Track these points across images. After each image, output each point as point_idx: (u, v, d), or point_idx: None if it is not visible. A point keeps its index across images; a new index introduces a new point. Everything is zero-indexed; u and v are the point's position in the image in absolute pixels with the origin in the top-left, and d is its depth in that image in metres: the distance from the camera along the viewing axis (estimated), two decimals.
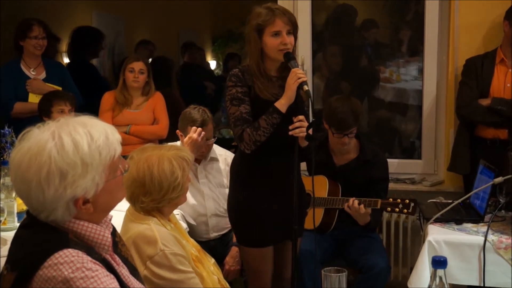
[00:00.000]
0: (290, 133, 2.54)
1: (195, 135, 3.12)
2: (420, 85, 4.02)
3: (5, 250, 1.71)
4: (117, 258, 1.63)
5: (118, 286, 1.50)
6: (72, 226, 1.51)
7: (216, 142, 3.40)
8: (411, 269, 2.84)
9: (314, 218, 2.78)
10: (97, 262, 1.47)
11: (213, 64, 9.70)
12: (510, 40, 3.42)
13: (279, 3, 3.99)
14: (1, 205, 2.61)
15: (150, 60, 5.78)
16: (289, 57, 2.58)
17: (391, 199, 3.09)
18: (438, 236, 2.64)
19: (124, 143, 1.62)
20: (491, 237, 2.59)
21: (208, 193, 3.32)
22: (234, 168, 2.83)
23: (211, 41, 10.24)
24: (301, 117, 2.55)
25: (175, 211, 2.56)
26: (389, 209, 3.10)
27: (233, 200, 2.80)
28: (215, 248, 3.25)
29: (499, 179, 2.68)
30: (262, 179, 2.71)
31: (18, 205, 2.65)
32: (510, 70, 3.44)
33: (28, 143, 1.46)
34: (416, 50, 4.07)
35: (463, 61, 3.60)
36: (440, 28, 3.85)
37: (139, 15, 7.54)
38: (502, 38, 3.49)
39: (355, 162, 3.33)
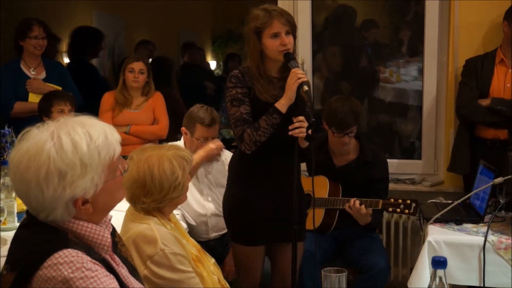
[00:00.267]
0: (290, 133, 2.54)
1: (213, 146, 3.13)
2: (420, 85, 4.02)
3: (5, 250, 1.71)
4: (117, 258, 1.63)
5: (118, 286, 1.50)
6: (72, 226, 1.50)
7: None
8: (411, 269, 2.84)
9: (314, 218, 2.78)
10: (97, 262, 1.47)
11: (213, 64, 9.71)
12: (510, 40, 3.42)
13: (280, 3, 3.99)
14: (1, 205, 2.61)
15: (150, 60, 5.78)
16: (289, 57, 2.58)
17: (392, 200, 3.09)
18: (438, 236, 2.64)
19: (124, 143, 1.62)
20: (491, 237, 2.58)
21: (208, 193, 3.33)
22: (233, 166, 2.84)
23: (211, 41, 10.24)
24: (301, 117, 2.55)
25: (175, 211, 2.56)
26: (390, 209, 3.10)
27: (230, 197, 2.82)
28: (215, 248, 3.25)
29: (499, 180, 2.68)
30: (262, 179, 2.71)
31: (18, 205, 2.65)
32: (510, 70, 3.44)
33: (27, 143, 1.46)
34: (416, 50, 4.07)
35: (463, 61, 3.60)
36: (440, 28, 3.85)
37: (139, 15, 7.54)
38: (502, 38, 3.49)
39: (355, 163, 3.33)
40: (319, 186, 3.25)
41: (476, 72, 3.48)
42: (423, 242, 2.68)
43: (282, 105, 2.58)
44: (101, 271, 1.45)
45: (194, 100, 3.51)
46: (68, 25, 6.00)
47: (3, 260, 1.52)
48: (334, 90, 4.17)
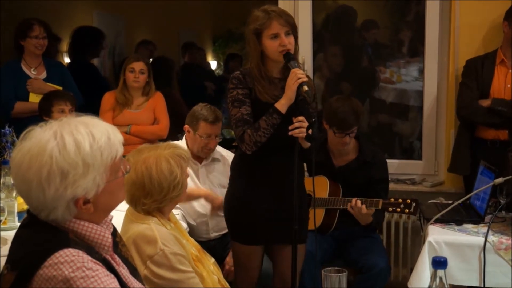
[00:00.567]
0: (289, 133, 2.54)
1: (219, 199, 3.18)
2: (421, 85, 4.02)
3: (5, 249, 1.71)
4: (117, 258, 1.63)
5: (118, 286, 1.50)
6: (73, 226, 1.51)
7: None
8: (411, 269, 2.84)
9: (314, 218, 2.78)
10: (98, 262, 1.47)
11: (213, 64, 9.71)
12: (510, 40, 3.42)
13: (280, 4, 3.99)
14: (2, 205, 2.61)
15: (151, 60, 5.78)
16: (289, 58, 2.58)
17: (392, 199, 3.09)
18: (438, 236, 2.64)
19: (124, 143, 1.62)
20: (492, 238, 2.59)
21: None
22: (235, 166, 2.85)
23: (211, 41, 10.25)
24: (301, 117, 2.55)
25: (175, 211, 2.56)
26: (390, 209, 3.10)
27: (231, 197, 2.83)
28: (215, 248, 3.25)
29: (500, 180, 2.68)
30: (262, 179, 2.72)
31: (19, 204, 2.65)
32: (510, 71, 3.44)
33: (29, 143, 1.46)
34: (416, 50, 4.07)
35: (463, 61, 3.60)
36: (440, 28, 3.85)
37: (139, 15, 7.54)
38: (502, 39, 3.49)
39: (355, 163, 3.33)
40: (320, 186, 3.25)
41: (477, 73, 3.48)
42: (424, 242, 2.68)
43: (282, 105, 2.58)
44: (102, 270, 1.45)
45: (194, 100, 3.51)
46: (69, 25, 6.00)
47: (4, 259, 1.52)
48: (335, 90, 4.17)
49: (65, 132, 1.46)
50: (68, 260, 1.41)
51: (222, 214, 3.08)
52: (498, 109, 3.35)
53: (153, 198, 2.09)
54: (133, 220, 2.11)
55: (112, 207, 1.60)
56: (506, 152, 2.86)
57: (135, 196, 2.09)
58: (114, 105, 4.07)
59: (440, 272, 1.53)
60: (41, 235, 1.48)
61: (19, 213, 2.63)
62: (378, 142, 4.17)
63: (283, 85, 2.62)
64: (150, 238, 2.03)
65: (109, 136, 1.52)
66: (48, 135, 1.46)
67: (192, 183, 3.23)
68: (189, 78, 6.45)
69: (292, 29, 2.62)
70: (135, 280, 1.66)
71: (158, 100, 4.15)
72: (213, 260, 2.34)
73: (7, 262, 1.49)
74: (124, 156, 1.62)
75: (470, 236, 2.64)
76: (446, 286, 1.53)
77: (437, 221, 2.77)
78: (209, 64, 9.04)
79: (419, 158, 4.06)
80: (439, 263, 1.53)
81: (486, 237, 2.58)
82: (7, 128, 3.25)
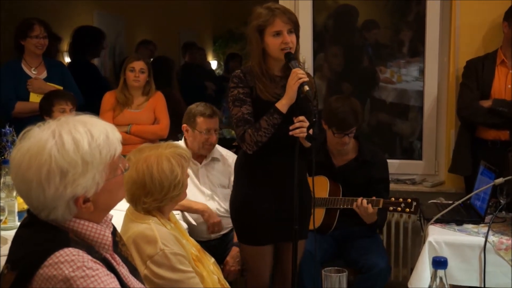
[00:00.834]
0: (290, 133, 2.54)
1: (217, 220, 3.24)
2: (421, 86, 4.02)
3: (5, 249, 1.71)
4: (117, 258, 1.63)
5: (119, 286, 1.50)
6: (73, 225, 1.51)
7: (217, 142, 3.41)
8: (412, 269, 2.84)
9: (314, 218, 2.78)
10: (98, 261, 1.47)
11: (214, 64, 9.71)
12: (510, 41, 3.42)
13: (281, 3, 3.99)
14: (2, 204, 2.61)
15: (151, 60, 5.77)
16: (290, 57, 2.58)
17: (393, 198, 3.09)
18: (438, 236, 2.64)
19: (124, 143, 1.62)
20: (492, 238, 2.59)
21: (208, 193, 3.33)
22: (237, 166, 2.86)
23: (211, 41, 10.25)
24: (301, 117, 2.55)
25: (175, 211, 2.56)
26: (391, 208, 3.10)
27: (235, 198, 2.83)
28: (215, 248, 3.25)
29: (500, 180, 2.68)
30: (263, 178, 2.72)
31: (19, 204, 2.65)
32: (510, 71, 3.44)
33: (28, 142, 1.46)
34: (417, 51, 4.07)
35: (464, 62, 3.60)
36: (441, 28, 3.85)
37: (140, 15, 7.55)
38: (502, 39, 3.49)
39: (354, 163, 3.33)
40: (320, 186, 3.25)
41: (477, 73, 3.48)
42: (424, 243, 2.68)
43: (282, 105, 2.58)
44: (102, 270, 1.45)
45: (194, 100, 3.51)
46: (69, 24, 6.00)
47: (4, 259, 1.52)
48: (335, 90, 4.17)
49: (63, 131, 1.47)
50: (68, 260, 1.41)
51: (218, 228, 3.12)
52: (499, 109, 3.35)
53: (154, 197, 2.09)
54: (133, 219, 2.11)
55: (112, 205, 1.60)
56: (507, 152, 2.86)
57: (136, 195, 2.09)
58: (115, 105, 4.07)
59: (440, 272, 1.53)
60: (41, 235, 1.48)
61: (19, 213, 2.63)
62: (379, 142, 4.17)
63: (284, 83, 2.62)
64: (150, 238, 2.03)
65: (107, 134, 1.52)
66: (47, 135, 1.46)
67: (192, 184, 3.23)
68: (190, 78, 6.45)
69: (295, 28, 2.62)
70: (135, 279, 1.66)
71: (159, 100, 4.15)
72: (213, 260, 2.34)
73: (7, 261, 1.49)
74: (124, 155, 1.62)
75: (470, 236, 2.64)
76: (446, 286, 1.53)
77: (437, 221, 2.77)
78: (209, 64, 9.04)
79: (420, 158, 4.06)
80: (439, 263, 1.53)
81: (486, 237, 2.58)
82: (7, 127, 3.25)
